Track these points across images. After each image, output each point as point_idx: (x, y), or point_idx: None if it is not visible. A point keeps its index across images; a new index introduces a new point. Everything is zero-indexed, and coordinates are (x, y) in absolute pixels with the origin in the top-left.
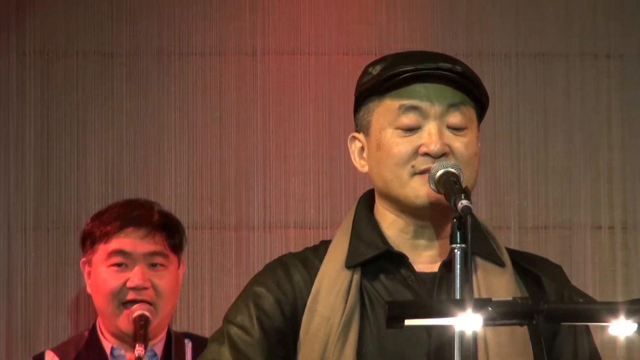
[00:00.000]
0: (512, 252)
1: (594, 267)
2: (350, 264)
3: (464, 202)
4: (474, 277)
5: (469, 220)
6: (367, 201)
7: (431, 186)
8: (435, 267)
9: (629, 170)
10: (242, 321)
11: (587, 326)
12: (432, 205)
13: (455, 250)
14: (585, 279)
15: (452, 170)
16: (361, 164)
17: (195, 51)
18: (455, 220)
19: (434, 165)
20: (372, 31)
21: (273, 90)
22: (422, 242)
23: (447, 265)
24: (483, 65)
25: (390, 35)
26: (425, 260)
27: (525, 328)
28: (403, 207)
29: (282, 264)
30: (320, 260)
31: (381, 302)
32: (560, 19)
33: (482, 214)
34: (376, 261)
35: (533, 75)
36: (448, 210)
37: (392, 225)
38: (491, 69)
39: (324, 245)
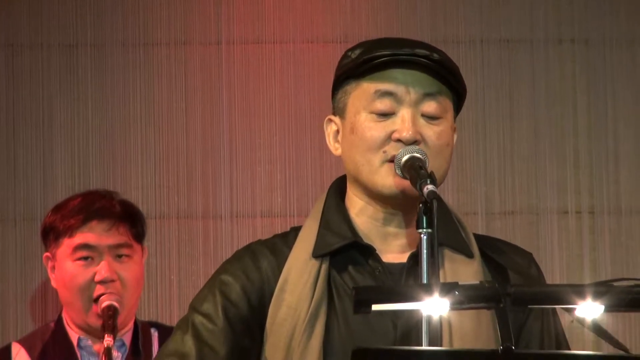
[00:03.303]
0: (481, 240)
1: (562, 252)
2: (317, 254)
3: (430, 186)
4: (441, 268)
5: (435, 204)
6: (338, 188)
7: (397, 172)
8: (404, 258)
9: (595, 154)
10: (207, 309)
11: (555, 310)
12: (400, 194)
13: (422, 235)
14: (552, 264)
15: (418, 155)
16: (335, 147)
17: (160, 41)
18: (421, 205)
19: (400, 151)
20: (336, 19)
21: (238, 79)
22: (392, 229)
23: (416, 257)
24: (448, 52)
25: (354, 22)
26: (394, 249)
27: (489, 314)
28: (371, 193)
29: (250, 251)
30: (289, 248)
31: (348, 294)
32: (524, 5)
33: (448, 200)
34: (344, 251)
35: (498, 61)
36: (416, 198)
37: (361, 212)
38: (456, 56)
39: (294, 232)
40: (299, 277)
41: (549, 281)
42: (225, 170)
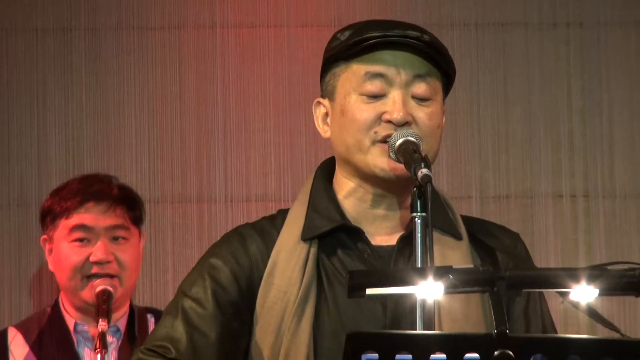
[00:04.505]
0: (468, 222)
1: (556, 236)
2: (306, 237)
3: (424, 170)
4: None
5: (429, 188)
6: (326, 170)
7: (391, 155)
8: (393, 240)
9: (590, 138)
10: (197, 293)
11: (542, 296)
12: (392, 175)
13: (416, 219)
14: (547, 247)
15: (412, 139)
16: (324, 129)
17: (154, 25)
18: (415, 189)
19: (394, 134)
20: (330, 3)
21: (232, 63)
22: (381, 211)
23: (406, 239)
24: (442, 36)
25: (349, 6)
26: (383, 232)
27: (478, 298)
28: (363, 174)
29: (238, 234)
30: (278, 231)
31: (337, 277)
32: None
33: (443, 184)
34: (333, 234)
35: (492, 44)
36: (408, 180)
37: (350, 194)
38: (450, 39)
39: (281, 215)
40: (288, 260)
41: (543, 265)
42: (219, 154)
